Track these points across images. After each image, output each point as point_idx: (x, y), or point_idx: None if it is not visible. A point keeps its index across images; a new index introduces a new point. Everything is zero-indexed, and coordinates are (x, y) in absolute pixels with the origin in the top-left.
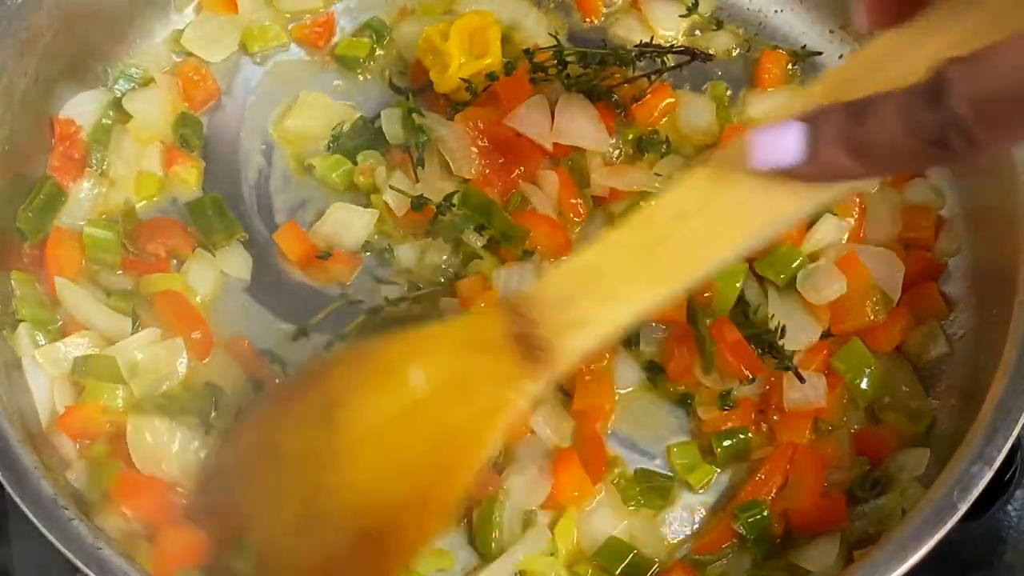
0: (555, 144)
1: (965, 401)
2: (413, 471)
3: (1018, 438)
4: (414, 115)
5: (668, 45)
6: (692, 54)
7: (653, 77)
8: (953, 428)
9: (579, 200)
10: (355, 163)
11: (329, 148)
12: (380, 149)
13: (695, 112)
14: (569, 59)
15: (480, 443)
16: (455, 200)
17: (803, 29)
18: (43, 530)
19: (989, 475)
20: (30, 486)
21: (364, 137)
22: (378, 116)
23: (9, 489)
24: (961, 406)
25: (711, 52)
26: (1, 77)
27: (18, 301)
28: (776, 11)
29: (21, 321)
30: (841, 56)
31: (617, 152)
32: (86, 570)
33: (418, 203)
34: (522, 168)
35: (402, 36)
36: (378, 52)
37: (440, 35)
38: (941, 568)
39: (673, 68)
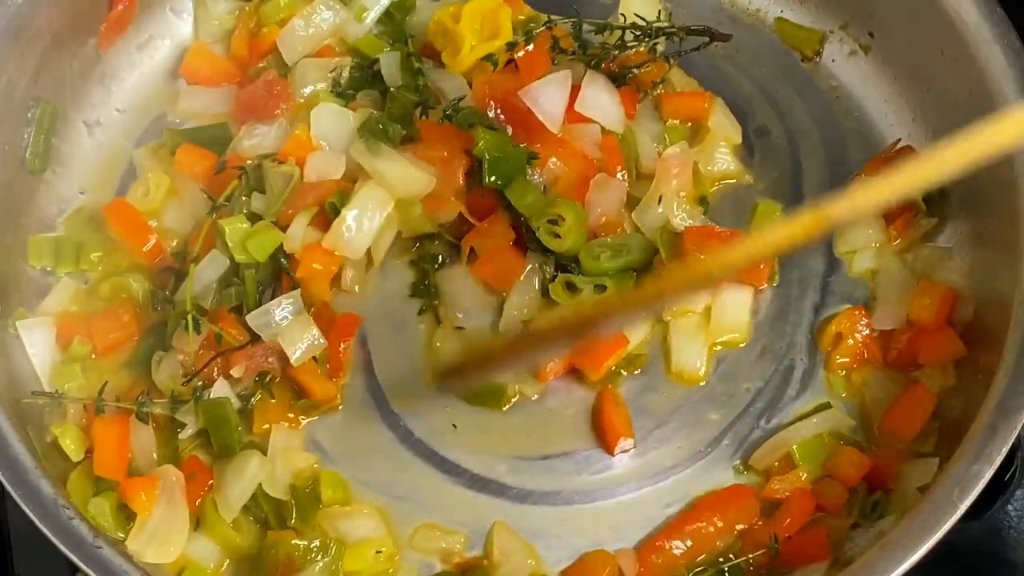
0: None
1: (965, 401)
2: None
3: (1018, 438)
4: (412, 59)
5: (687, 25)
6: (711, 34)
7: (673, 59)
8: (954, 428)
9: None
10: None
11: (332, 91)
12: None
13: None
14: (588, 32)
15: None
16: (463, 104)
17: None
18: (43, 530)
19: (989, 475)
20: (30, 486)
21: (363, 80)
22: (377, 60)
23: (9, 489)
24: (962, 406)
25: (729, 33)
26: (0, 77)
27: None
28: (778, 11)
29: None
30: (834, 60)
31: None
32: (86, 570)
33: (424, 108)
34: (526, 145)
35: (417, 23)
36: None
37: (451, 18)
38: (941, 568)
39: (695, 49)
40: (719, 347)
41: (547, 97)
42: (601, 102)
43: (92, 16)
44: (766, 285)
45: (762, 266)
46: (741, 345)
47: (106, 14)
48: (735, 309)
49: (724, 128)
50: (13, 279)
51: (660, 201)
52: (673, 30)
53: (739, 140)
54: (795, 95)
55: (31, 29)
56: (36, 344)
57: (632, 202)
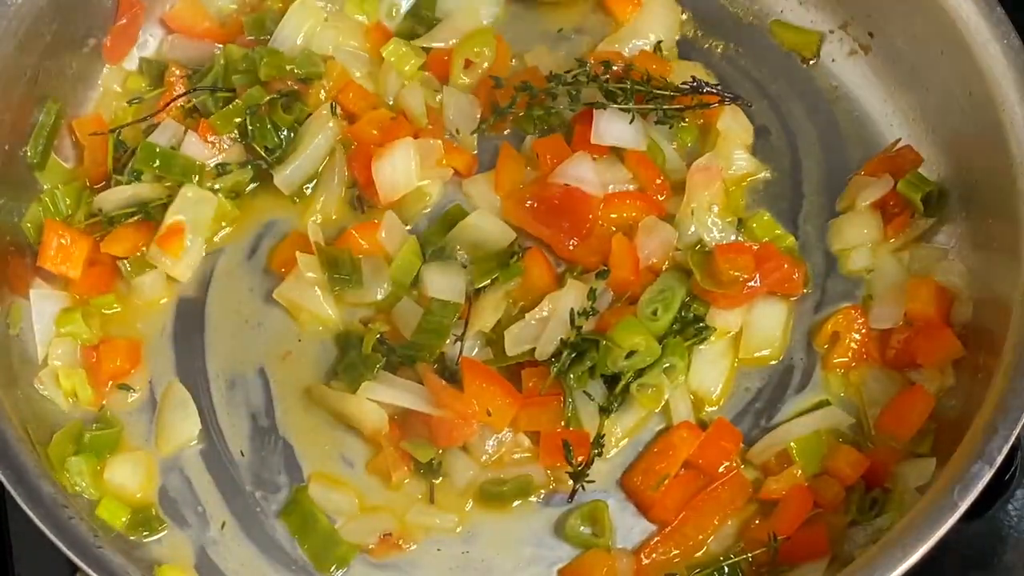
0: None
1: (964, 402)
2: None
3: (1018, 438)
4: None
5: (710, 83)
6: (733, 96)
7: (728, 100)
8: (953, 428)
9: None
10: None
11: None
12: None
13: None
14: (610, 89)
15: None
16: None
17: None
18: (43, 530)
19: (989, 474)
20: (30, 486)
21: None
22: None
23: (9, 489)
24: (961, 406)
25: (750, 103)
26: (0, 77)
27: None
28: (778, 11)
29: None
30: (834, 60)
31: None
32: (86, 569)
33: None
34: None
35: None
36: None
37: None
38: (941, 567)
39: (711, 105)
40: (745, 365)
41: (576, 168)
42: (616, 128)
43: (92, 17)
44: (802, 292)
45: (796, 275)
46: (772, 363)
47: (106, 16)
48: (769, 325)
49: (735, 130)
50: (10, 279)
51: (693, 214)
52: (695, 87)
53: (751, 140)
54: (795, 95)
55: (30, 30)
56: (42, 314)
57: (666, 218)
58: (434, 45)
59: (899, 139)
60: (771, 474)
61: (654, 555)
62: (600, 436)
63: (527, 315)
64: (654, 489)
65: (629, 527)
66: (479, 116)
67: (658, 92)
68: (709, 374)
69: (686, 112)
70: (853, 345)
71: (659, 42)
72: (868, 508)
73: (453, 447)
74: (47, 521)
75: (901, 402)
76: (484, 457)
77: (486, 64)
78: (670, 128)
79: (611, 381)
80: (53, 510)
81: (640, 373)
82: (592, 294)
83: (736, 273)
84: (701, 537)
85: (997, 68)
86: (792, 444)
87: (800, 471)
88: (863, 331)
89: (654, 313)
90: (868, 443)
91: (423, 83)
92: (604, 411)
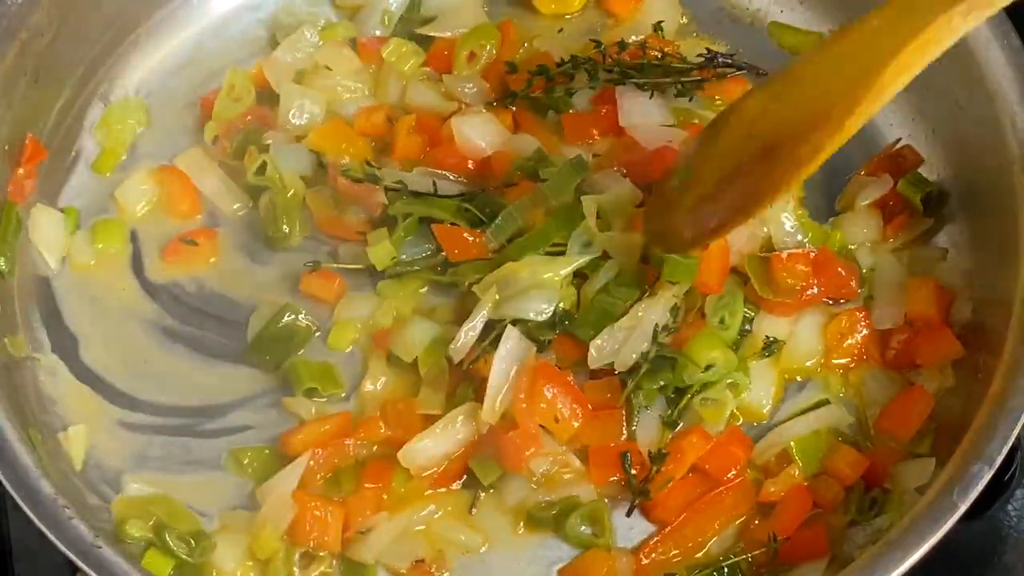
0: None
1: (963, 402)
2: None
3: (1018, 438)
4: None
5: (730, 55)
6: (749, 66)
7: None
8: (953, 428)
9: None
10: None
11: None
12: None
13: None
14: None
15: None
16: None
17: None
18: (43, 530)
19: (989, 475)
20: (30, 486)
21: None
22: None
23: (9, 489)
24: (961, 406)
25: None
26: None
27: None
28: (778, 11)
29: None
30: None
31: None
32: (86, 569)
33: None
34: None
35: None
36: None
37: None
38: (941, 567)
39: (728, 74)
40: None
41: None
42: (642, 108)
43: (92, 17)
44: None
45: (852, 281)
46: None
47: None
48: (812, 334)
49: None
50: None
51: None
52: (712, 60)
53: None
54: None
55: (31, 29)
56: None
57: None
58: (436, 35)
59: (899, 139)
60: (771, 475)
61: (654, 555)
62: (661, 450)
63: (615, 324)
64: (657, 491)
65: (629, 527)
66: (488, 97)
67: (674, 67)
68: (760, 387)
69: (704, 84)
70: (854, 346)
71: (660, 22)
72: (867, 508)
73: (518, 472)
74: (47, 521)
75: (901, 402)
76: (536, 477)
77: (486, 59)
78: (690, 100)
79: (676, 393)
80: (53, 510)
81: (704, 387)
82: (675, 310)
83: (793, 281)
84: (701, 539)
85: (997, 68)
86: (792, 444)
87: (799, 471)
88: (863, 331)
89: (722, 321)
90: (868, 443)
91: (426, 78)
92: (668, 425)
